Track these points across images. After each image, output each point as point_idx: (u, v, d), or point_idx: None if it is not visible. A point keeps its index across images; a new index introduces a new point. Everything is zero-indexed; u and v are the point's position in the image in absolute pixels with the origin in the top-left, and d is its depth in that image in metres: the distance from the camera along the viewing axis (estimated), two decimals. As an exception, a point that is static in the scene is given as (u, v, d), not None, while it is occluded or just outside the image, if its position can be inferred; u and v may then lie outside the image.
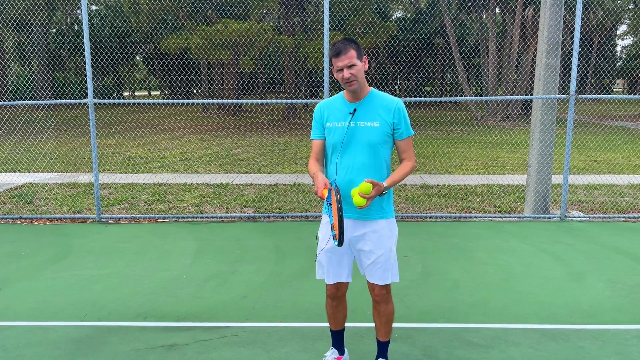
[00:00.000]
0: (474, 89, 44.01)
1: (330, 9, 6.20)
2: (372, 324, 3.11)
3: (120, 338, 3.51)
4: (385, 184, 2.66)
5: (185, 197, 8.00)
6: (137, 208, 7.28)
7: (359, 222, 2.80)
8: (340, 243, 2.51)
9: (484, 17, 29.07)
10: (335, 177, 2.79)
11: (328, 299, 3.01)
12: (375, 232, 2.78)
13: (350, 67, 2.65)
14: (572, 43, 6.28)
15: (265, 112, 29.89)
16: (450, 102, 28.80)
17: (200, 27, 20.22)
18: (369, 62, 2.78)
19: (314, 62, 20.00)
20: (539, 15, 6.77)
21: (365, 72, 2.77)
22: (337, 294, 2.96)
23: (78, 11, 36.74)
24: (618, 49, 47.09)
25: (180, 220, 6.67)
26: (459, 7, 31.31)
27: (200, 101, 6.91)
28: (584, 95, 6.58)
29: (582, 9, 6.22)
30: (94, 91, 6.34)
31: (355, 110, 2.75)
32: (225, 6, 23.30)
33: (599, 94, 42.46)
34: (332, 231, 2.55)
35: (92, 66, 5.99)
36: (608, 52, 41.57)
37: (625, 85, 51.09)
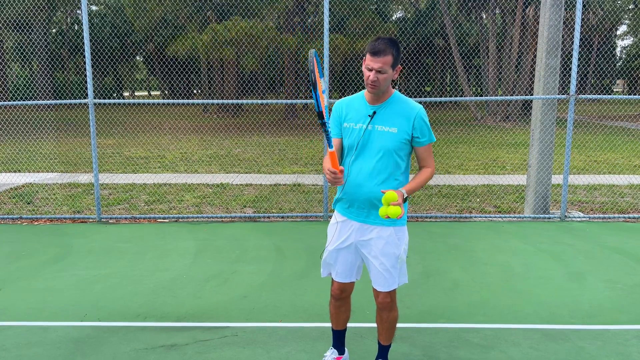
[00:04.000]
0: (474, 89, 44.00)
1: (330, 10, 6.19)
2: (373, 324, 3.11)
3: (120, 338, 3.51)
4: (403, 190, 2.61)
5: (185, 197, 7.99)
6: (137, 208, 7.28)
7: (366, 226, 2.76)
8: (320, 112, 2.48)
9: (484, 17, 29.08)
10: (346, 180, 2.73)
11: (332, 299, 3.00)
12: (381, 239, 2.74)
13: (379, 72, 2.57)
14: (572, 43, 6.28)
15: (265, 112, 29.89)
16: (450, 102, 28.77)
17: (211, 26, 20.21)
18: (399, 72, 2.69)
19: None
20: (539, 15, 6.77)
21: (393, 81, 2.69)
22: (341, 295, 2.95)
23: (78, 11, 36.76)
24: (618, 49, 47.11)
25: (180, 220, 6.67)
26: (459, 7, 31.31)
27: (200, 101, 6.91)
28: (584, 96, 6.58)
29: (582, 9, 6.22)
30: (94, 91, 6.34)
31: (374, 113, 2.69)
32: (226, 6, 23.30)
33: (599, 94, 42.46)
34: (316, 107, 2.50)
35: (92, 66, 5.99)
36: (608, 52, 41.56)
37: (625, 85, 51.09)
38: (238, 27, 18.98)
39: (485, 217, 6.82)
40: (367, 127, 2.69)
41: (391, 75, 2.62)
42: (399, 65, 2.66)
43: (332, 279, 2.94)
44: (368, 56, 2.59)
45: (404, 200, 2.61)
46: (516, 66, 25.49)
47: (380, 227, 2.74)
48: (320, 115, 2.49)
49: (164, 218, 6.74)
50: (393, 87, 2.77)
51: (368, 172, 2.68)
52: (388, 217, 2.49)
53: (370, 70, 2.58)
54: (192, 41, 20.46)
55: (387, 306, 2.85)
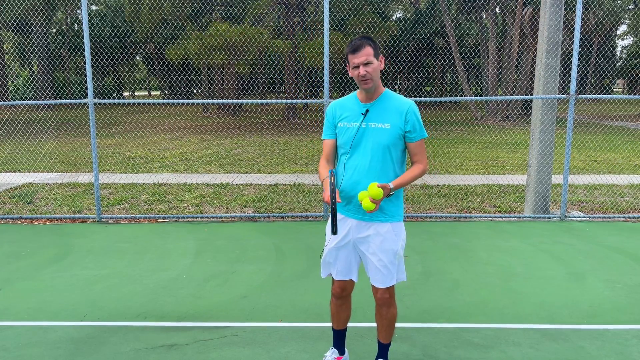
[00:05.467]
0: (474, 89, 44.00)
1: (330, 9, 6.19)
2: (373, 324, 3.11)
3: (120, 338, 3.51)
4: (391, 185, 2.65)
5: (185, 197, 7.99)
6: (137, 208, 7.28)
7: (364, 223, 2.78)
8: (334, 231, 2.54)
9: (484, 17, 29.08)
10: (343, 177, 2.78)
11: (333, 297, 3.01)
12: (379, 235, 2.76)
13: (366, 64, 2.63)
14: (572, 43, 6.28)
15: (265, 112, 29.89)
16: (450, 102, 28.79)
17: (195, 34, 20.43)
18: (383, 62, 2.76)
19: (313, 61, 20.01)
20: (538, 15, 6.77)
21: (381, 71, 2.76)
22: (342, 293, 2.96)
23: (78, 11, 36.76)
24: (618, 49, 47.08)
25: (180, 220, 6.67)
26: (459, 7, 31.31)
27: (200, 101, 6.91)
28: (584, 95, 6.58)
29: (582, 9, 6.22)
30: (94, 91, 6.34)
31: (367, 111, 2.74)
32: (223, 6, 23.31)
33: (599, 94, 42.46)
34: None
35: (92, 66, 6.00)
36: (608, 52, 41.55)
37: (625, 85, 51.08)
38: (225, 34, 19.07)
39: (485, 217, 6.82)
40: (361, 125, 2.74)
41: (378, 66, 2.69)
42: (381, 56, 2.73)
43: (333, 278, 2.95)
44: (350, 57, 2.67)
45: (389, 194, 2.65)
46: (516, 66, 25.49)
47: (378, 223, 2.76)
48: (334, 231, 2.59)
49: (164, 218, 6.74)
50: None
51: (364, 169, 2.72)
52: (360, 203, 2.60)
53: (357, 67, 2.65)
54: (183, 48, 20.66)
55: (386, 302, 2.86)
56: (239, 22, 21.06)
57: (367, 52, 2.63)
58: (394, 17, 38.85)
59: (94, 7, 38.91)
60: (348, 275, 2.89)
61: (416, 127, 2.73)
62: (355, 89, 2.87)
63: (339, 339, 3.11)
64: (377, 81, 2.72)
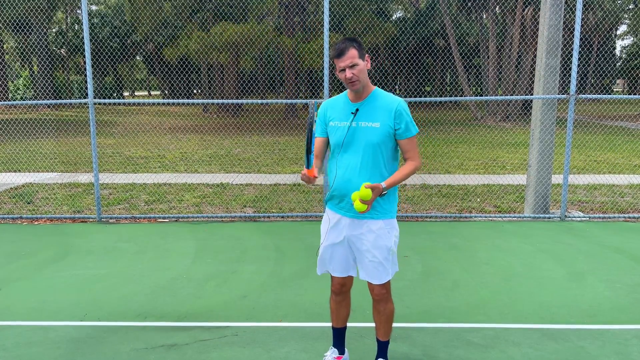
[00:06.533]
0: (474, 89, 44.00)
1: (330, 9, 6.19)
2: (372, 324, 3.11)
3: (120, 338, 3.51)
4: (384, 184, 2.67)
5: (185, 197, 7.99)
6: (137, 208, 7.28)
7: (357, 221, 2.81)
8: (309, 150, 2.68)
9: (484, 17, 29.08)
10: (335, 176, 2.81)
11: (332, 294, 3.03)
12: (372, 232, 2.78)
13: (352, 67, 2.66)
14: (572, 43, 6.28)
15: (266, 112, 29.89)
16: (450, 102, 28.79)
17: (197, 33, 20.40)
18: (370, 61, 2.80)
19: (313, 62, 20.01)
20: (539, 15, 6.77)
21: (368, 70, 2.78)
22: (341, 289, 2.98)
23: (78, 11, 36.77)
24: (618, 49, 47.08)
25: (180, 220, 6.67)
26: (459, 7, 31.31)
27: (200, 101, 6.91)
28: (584, 95, 6.57)
29: (582, 9, 6.22)
30: (94, 91, 6.34)
31: (357, 110, 2.76)
32: (224, 6, 23.32)
33: (599, 94, 42.44)
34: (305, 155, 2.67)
35: (92, 66, 5.99)
36: (608, 52, 41.55)
37: (625, 85, 51.07)
38: (228, 32, 19.03)
39: (485, 217, 6.82)
40: (351, 124, 2.77)
41: (364, 66, 2.71)
42: (367, 55, 2.76)
43: (331, 275, 2.96)
44: (336, 61, 2.70)
45: (382, 194, 2.67)
46: (516, 66, 25.49)
47: (371, 220, 2.79)
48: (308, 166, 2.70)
49: (164, 218, 6.74)
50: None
51: (356, 168, 2.75)
52: (353, 203, 2.65)
53: (343, 70, 2.68)
54: (184, 47, 20.64)
55: (383, 297, 2.89)
56: (241, 22, 21.04)
57: (352, 54, 2.65)
58: (394, 17, 38.84)
59: (94, 7, 38.92)
60: (346, 272, 2.92)
61: (406, 124, 2.75)
62: None
63: (339, 338, 3.11)
64: (365, 81, 2.74)
